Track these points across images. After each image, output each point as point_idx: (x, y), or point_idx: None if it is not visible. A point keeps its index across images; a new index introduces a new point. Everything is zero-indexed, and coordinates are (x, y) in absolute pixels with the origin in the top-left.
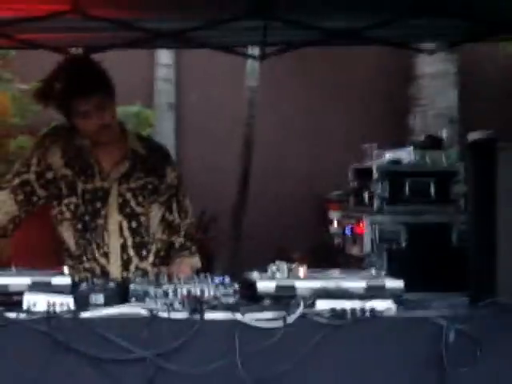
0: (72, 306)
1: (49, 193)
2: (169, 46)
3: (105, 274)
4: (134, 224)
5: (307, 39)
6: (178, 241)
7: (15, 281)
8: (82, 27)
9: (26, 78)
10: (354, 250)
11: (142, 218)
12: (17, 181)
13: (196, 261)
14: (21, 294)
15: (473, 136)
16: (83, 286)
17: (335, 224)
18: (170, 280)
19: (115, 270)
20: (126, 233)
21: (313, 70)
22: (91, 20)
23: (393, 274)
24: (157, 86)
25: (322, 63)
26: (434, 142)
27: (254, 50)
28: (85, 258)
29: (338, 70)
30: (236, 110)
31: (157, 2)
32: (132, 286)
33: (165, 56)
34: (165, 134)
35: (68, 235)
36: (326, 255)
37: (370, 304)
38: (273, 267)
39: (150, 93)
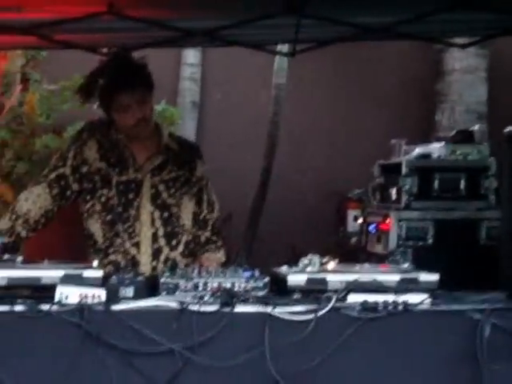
0: (104, 299)
1: (82, 187)
2: (200, 44)
3: (134, 264)
4: (165, 214)
5: (338, 36)
6: (205, 235)
7: (47, 273)
8: (115, 27)
9: (53, 78)
10: (377, 248)
11: (174, 209)
12: (53, 175)
13: (221, 255)
14: (53, 286)
15: (509, 130)
16: (113, 279)
17: (354, 222)
18: (200, 273)
19: (145, 259)
20: (158, 223)
21: (340, 66)
22: (124, 20)
23: None
24: (182, 85)
25: (349, 60)
26: (464, 137)
27: (283, 47)
28: (111, 251)
29: (365, 66)
30: (260, 109)
31: (189, 0)
32: (162, 279)
33: (191, 55)
34: (187, 132)
35: (96, 228)
36: (344, 254)
37: (404, 297)
38: (304, 260)
39: (174, 91)
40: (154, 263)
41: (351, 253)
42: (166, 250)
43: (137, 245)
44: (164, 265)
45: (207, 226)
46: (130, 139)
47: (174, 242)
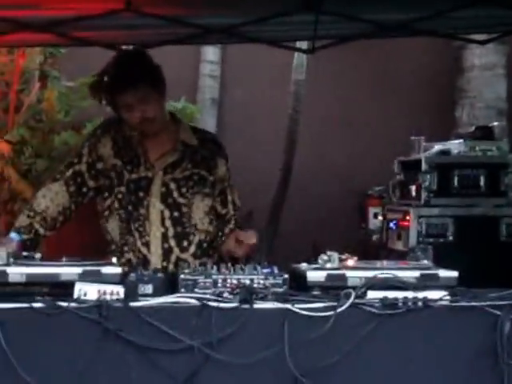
0: (122, 295)
1: (98, 184)
2: (219, 41)
3: (146, 263)
4: (176, 214)
5: (357, 32)
6: (229, 227)
7: (66, 270)
8: (134, 24)
9: (72, 75)
10: (398, 245)
11: (185, 209)
12: (69, 172)
13: (254, 235)
14: (72, 283)
15: None
16: (132, 276)
17: (375, 219)
18: (219, 270)
19: (156, 259)
20: (168, 223)
21: (359, 63)
22: (143, 17)
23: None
24: (201, 82)
25: (368, 56)
26: (484, 134)
27: (303, 44)
28: (126, 249)
29: (385, 62)
30: (280, 106)
31: None
32: (182, 276)
33: (211, 53)
34: (207, 129)
35: (114, 226)
36: (364, 251)
37: (423, 294)
38: (323, 257)
39: (194, 89)
40: (165, 263)
41: (373, 250)
42: (176, 251)
43: (147, 244)
44: (175, 266)
45: (231, 221)
46: (143, 136)
47: (184, 243)
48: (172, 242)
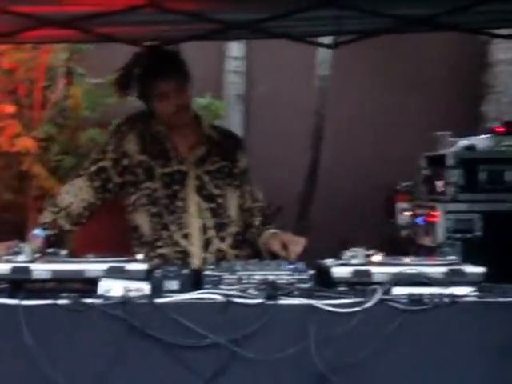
0: (148, 292)
1: (124, 180)
2: (242, 37)
3: (185, 256)
4: (212, 205)
5: (381, 27)
6: (258, 219)
7: (91, 267)
8: (157, 20)
9: (98, 72)
10: (426, 241)
11: (220, 200)
12: (93, 168)
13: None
14: (97, 279)
15: None
16: (158, 272)
17: (404, 215)
18: (244, 266)
19: (196, 251)
20: (206, 214)
21: (384, 57)
22: (166, 13)
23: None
24: (226, 78)
25: (393, 51)
26: (510, 128)
27: (326, 39)
28: (159, 244)
29: (409, 57)
30: (305, 101)
31: None
32: (206, 272)
33: (235, 49)
34: (233, 125)
35: (143, 221)
36: (394, 247)
37: (449, 290)
38: (349, 253)
39: (219, 85)
40: (205, 255)
41: (401, 245)
42: (216, 241)
43: (187, 236)
44: (214, 256)
45: (255, 213)
46: (170, 130)
47: (223, 234)
48: (211, 233)
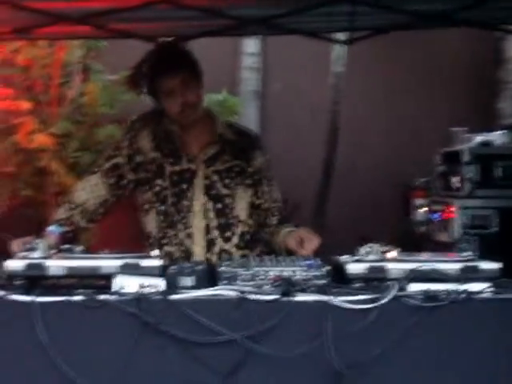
0: (162, 288)
1: (138, 177)
2: (257, 32)
3: (189, 255)
4: (218, 205)
5: (395, 23)
6: (276, 218)
7: (106, 263)
8: (172, 16)
9: (115, 68)
10: (442, 237)
11: (227, 200)
12: (108, 164)
13: (316, 237)
14: (111, 276)
15: None
16: (172, 268)
17: (420, 211)
18: (259, 262)
19: (199, 251)
20: (211, 214)
21: (399, 54)
22: (181, 9)
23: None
24: (242, 75)
25: (408, 48)
26: None
27: (341, 35)
28: (165, 242)
29: (424, 54)
30: (321, 98)
31: None
32: (221, 269)
33: (251, 45)
34: (249, 122)
35: (151, 219)
36: (410, 244)
37: (465, 286)
38: (364, 249)
39: (235, 81)
40: (208, 255)
41: (418, 242)
42: (219, 242)
43: (190, 236)
44: (218, 257)
45: (274, 212)
46: (183, 128)
47: (228, 234)
48: (215, 233)
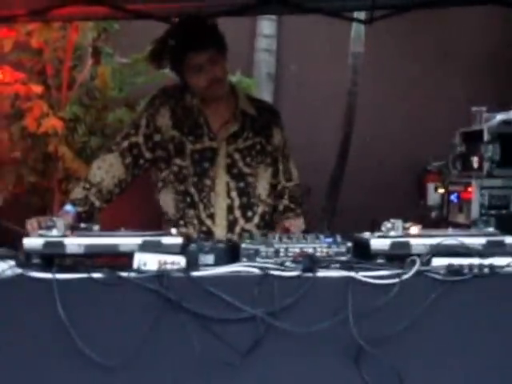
0: (183, 265)
1: (155, 156)
2: (276, 12)
3: (209, 236)
4: (241, 184)
5: (415, 2)
6: (283, 203)
7: (125, 241)
8: None
9: (125, 51)
10: (459, 218)
11: (250, 179)
12: (126, 143)
13: (301, 222)
14: (131, 254)
15: None
16: (193, 246)
17: (435, 195)
18: (280, 239)
19: (220, 231)
20: (233, 193)
21: (418, 34)
22: None
23: None
24: (257, 57)
25: (427, 27)
26: None
27: (360, 15)
28: (182, 222)
29: (443, 33)
30: (337, 81)
31: None
32: (243, 245)
33: (266, 27)
34: None
35: (169, 198)
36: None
37: (490, 260)
38: (387, 225)
39: (250, 63)
40: (229, 235)
41: (432, 226)
42: (241, 222)
43: (211, 216)
44: (239, 237)
45: (284, 194)
46: (205, 104)
47: (249, 214)
48: (237, 213)
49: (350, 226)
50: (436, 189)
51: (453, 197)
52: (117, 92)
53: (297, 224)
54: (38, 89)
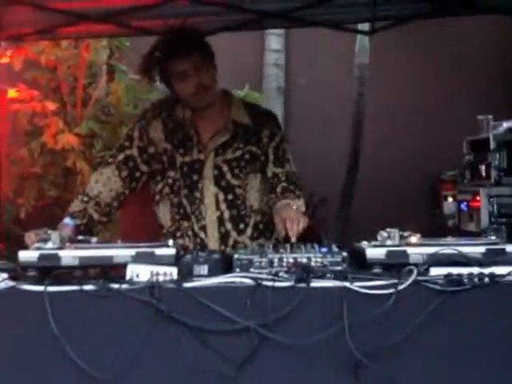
0: (175, 276)
1: (151, 168)
2: (278, 26)
3: (203, 247)
4: (230, 196)
5: (417, 12)
6: (280, 186)
7: (119, 252)
8: (192, 12)
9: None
10: (470, 226)
11: (239, 191)
12: (121, 156)
13: (301, 204)
14: (125, 265)
15: None
16: (187, 257)
17: (450, 204)
18: (275, 249)
19: (213, 243)
20: (223, 205)
21: (424, 44)
22: (200, 4)
23: None
24: (267, 71)
25: (433, 37)
26: None
27: (364, 27)
28: (178, 234)
29: (451, 42)
30: (345, 92)
31: None
32: (236, 256)
33: (274, 42)
34: None
35: (165, 211)
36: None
37: (490, 269)
38: (383, 234)
39: (259, 78)
40: (223, 247)
41: (447, 234)
42: (233, 234)
43: (203, 228)
44: (232, 249)
45: (279, 178)
46: (197, 115)
47: (241, 226)
48: (228, 226)
49: (364, 235)
50: (445, 197)
51: (463, 205)
52: (131, 108)
53: (297, 204)
54: (52, 106)
